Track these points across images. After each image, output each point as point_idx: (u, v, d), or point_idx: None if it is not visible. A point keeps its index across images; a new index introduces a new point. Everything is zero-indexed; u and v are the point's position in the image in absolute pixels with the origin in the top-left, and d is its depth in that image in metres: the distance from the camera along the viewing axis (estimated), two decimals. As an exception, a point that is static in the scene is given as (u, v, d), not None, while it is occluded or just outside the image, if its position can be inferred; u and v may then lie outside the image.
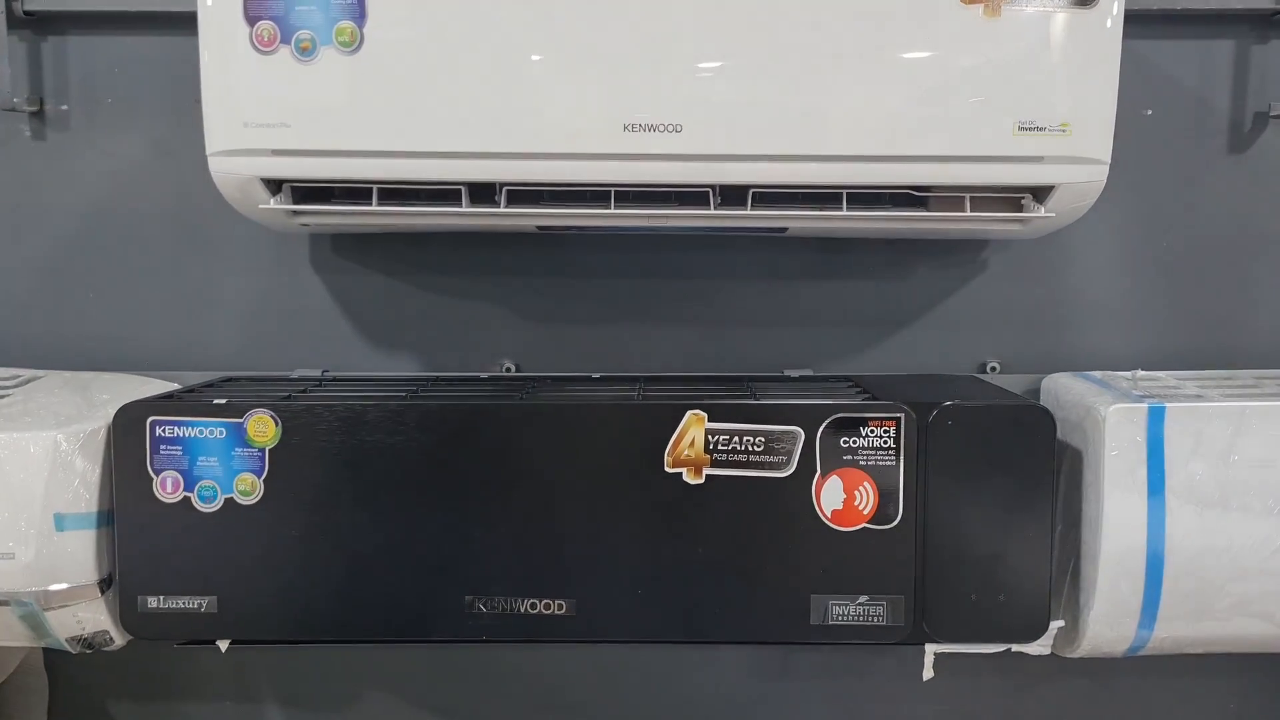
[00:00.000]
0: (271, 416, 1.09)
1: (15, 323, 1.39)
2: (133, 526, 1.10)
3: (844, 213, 1.13)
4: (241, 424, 1.09)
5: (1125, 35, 1.21)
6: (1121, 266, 1.35)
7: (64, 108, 1.35)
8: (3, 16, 1.27)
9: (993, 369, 1.37)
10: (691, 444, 1.09)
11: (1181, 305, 1.35)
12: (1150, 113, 1.31)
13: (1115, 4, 1.04)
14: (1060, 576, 1.19)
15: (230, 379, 1.32)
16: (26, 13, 1.28)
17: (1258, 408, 1.10)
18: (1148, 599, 1.12)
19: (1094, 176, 1.08)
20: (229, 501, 1.09)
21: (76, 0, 1.29)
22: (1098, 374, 1.28)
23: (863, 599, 1.10)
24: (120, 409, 1.10)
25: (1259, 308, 1.35)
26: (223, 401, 1.11)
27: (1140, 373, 1.26)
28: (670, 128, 1.08)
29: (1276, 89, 1.29)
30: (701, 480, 1.09)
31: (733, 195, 1.14)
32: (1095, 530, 1.12)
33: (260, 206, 1.12)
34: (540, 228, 1.24)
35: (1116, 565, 1.11)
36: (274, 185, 1.13)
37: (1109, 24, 1.04)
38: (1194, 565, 1.10)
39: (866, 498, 1.09)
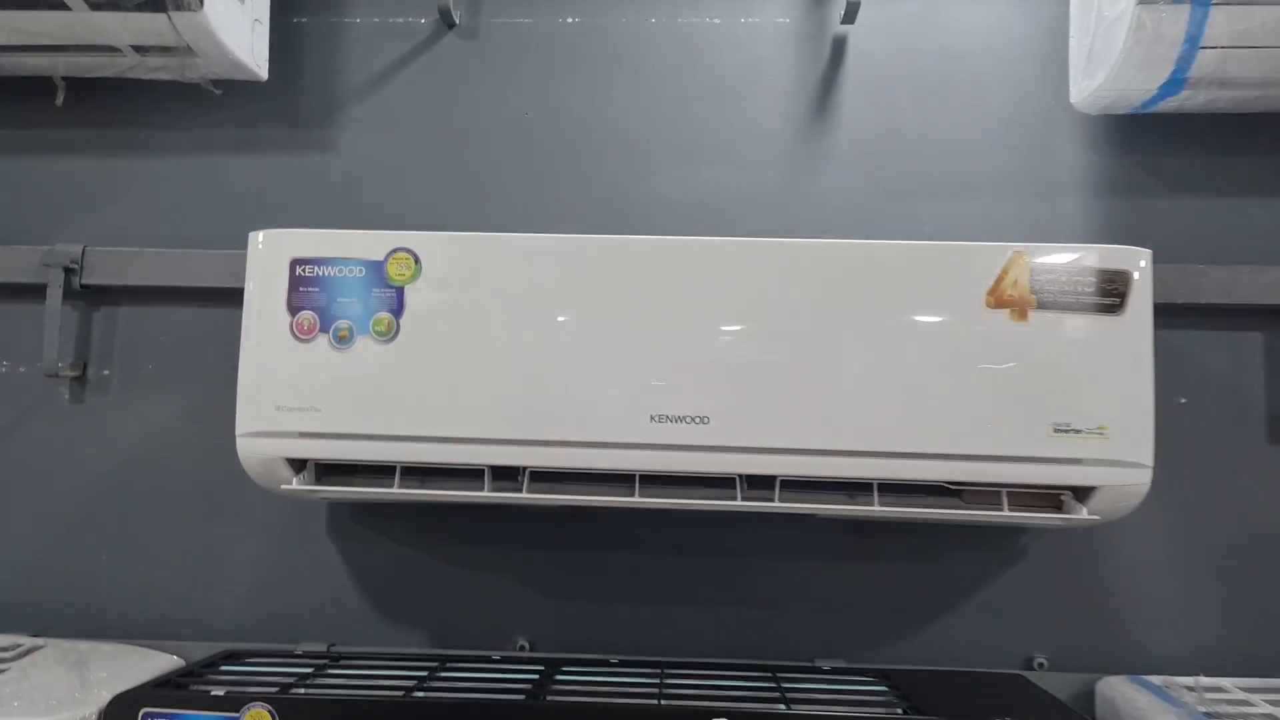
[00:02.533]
0: (269, 711, 1.03)
1: (29, 585, 1.36)
2: (107, 836, 1.01)
3: (875, 508, 1.10)
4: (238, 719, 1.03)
5: (1155, 326, 1.22)
6: (1169, 556, 1.28)
7: (106, 373, 1.38)
8: (59, 291, 1.32)
9: (1040, 665, 1.28)
10: (717, 759, 1.01)
11: (1237, 600, 1.27)
12: (1184, 401, 1.29)
13: (1144, 310, 1.05)
14: None
15: (233, 654, 1.26)
16: (83, 286, 1.34)
17: (1340, 736, 1.00)
18: None
19: (1136, 480, 1.05)
20: (214, 812, 1.01)
21: (131, 275, 1.35)
22: (1157, 680, 1.19)
23: None
24: (113, 699, 1.04)
25: (1324, 608, 1.27)
26: (220, 693, 1.05)
27: (1203, 680, 1.16)
28: (697, 419, 1.07)
29: (1312, 380, 1.27)
30: (728, 802, 1.00)
31: (759, 480, 1.12)
32: None
33: (283, 487, 1.12)
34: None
35: None
36: (298, 464, 1.14)
37: (1139, 329, 1.05)
38: None
39: (911, 828, 0.99)
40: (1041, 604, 1.29)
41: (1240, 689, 1.15)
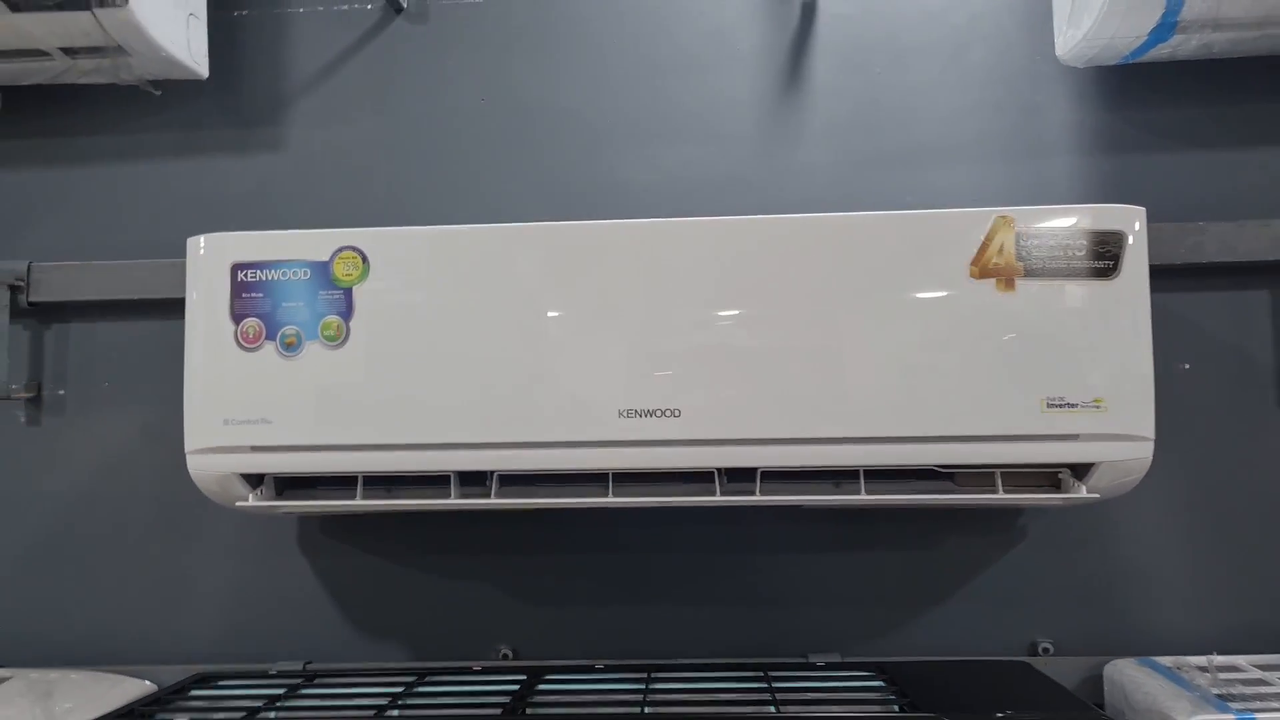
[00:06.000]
0: (234, 741, 0.98)
1: (-8, 615, 1.32)
2: None
3: (862, 496, 1.04)
4: (203, 750, 0.98)
5: (1152, 290, 1.15)
6: (1176, 530, 1.22)
7: (61, 393, 1.33)
8: (6, 309, 1.27)
9: (1045, 650, 1.22)
10: (704, 769, 0.95)
11: (1249, 574, 1.21)
12: (1188, 367, 1.22)
13: (1140, 273, 0.98)
14: None
15: (205, 677, 1.21)
16: (31, 303, 1.29)
17: (1364, 715, 0.94)
18: None
19: (1137, 454, 0.99)
20: None
21: (79, 289, 1.29)
22: (1167, 661, 1.13)
23: None
24: (72, 735, 1.00)
25: (1342, 577, 1.20)
26: (183, 722, 1.00)
27: (1216, 659, 1.10)
28: (668, 413, 1.01)
29: (1322, 337, 1.20)
30: (717, 814, 0.95)
31: (740, 473, 1.06)
32: None
33: (238, 504, 1.07)
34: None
35: None
36: (255, 479, 1.08)
37: (1135, 293, 0.98)
38: None
39: (912, 832, 0.93)
40: (1044, 587, 1.23)
41: (1256, 666, 1.09)
